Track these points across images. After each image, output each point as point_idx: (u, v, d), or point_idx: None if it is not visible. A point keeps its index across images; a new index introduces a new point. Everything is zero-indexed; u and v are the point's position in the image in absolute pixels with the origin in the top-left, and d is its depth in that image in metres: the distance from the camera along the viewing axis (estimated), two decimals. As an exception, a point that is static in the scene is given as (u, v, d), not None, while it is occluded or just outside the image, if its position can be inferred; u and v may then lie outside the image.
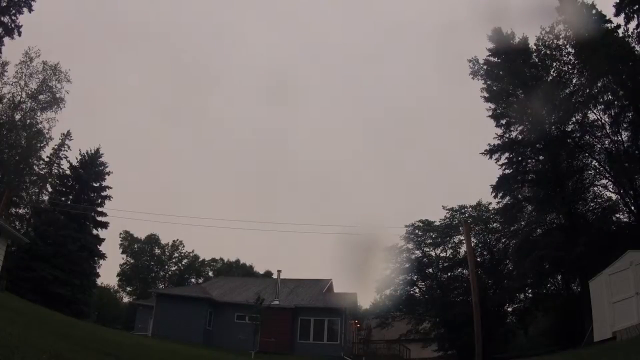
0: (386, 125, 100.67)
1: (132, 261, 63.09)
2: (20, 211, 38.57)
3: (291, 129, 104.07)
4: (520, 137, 29.52)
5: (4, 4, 27.96)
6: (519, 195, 29.78)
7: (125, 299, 61.45)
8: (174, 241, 66.88)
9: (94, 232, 37.71)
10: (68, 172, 38.32)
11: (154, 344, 16.58)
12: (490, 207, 32.23)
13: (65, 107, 35.43)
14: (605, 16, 24.62)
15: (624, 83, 23.43)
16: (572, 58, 27.22)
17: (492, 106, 30.40)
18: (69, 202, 35.88)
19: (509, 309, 32.56)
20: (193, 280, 65.14)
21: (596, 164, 26.85)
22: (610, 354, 11.08)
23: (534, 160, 29.59)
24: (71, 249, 32.63)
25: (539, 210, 27.79)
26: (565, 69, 27.70)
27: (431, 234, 33.43)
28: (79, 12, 79.90)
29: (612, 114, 25.29)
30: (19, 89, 34.37)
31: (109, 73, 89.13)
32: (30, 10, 28.65)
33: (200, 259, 68.91)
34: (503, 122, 30.11)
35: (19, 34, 28.72)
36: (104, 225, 37.78)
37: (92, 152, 38.53)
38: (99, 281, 43.97)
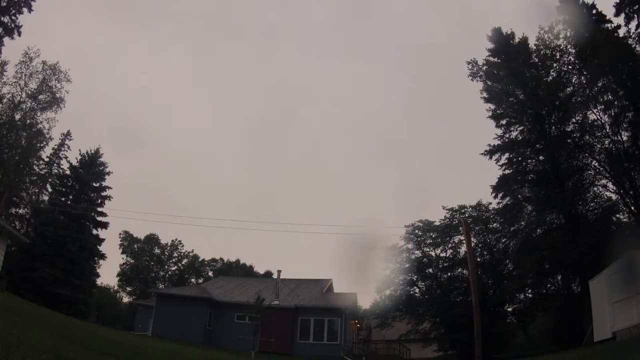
0: (386, 125, 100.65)
1: (132, 261, 62.99)
2: (20, 211, 38.57)
3: (291, 129, 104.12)
4: (520, 137, 29.52)
5: (4, 4, 27.91)
6: (519, 196, 29.78)
7: (125, 299, 61.42)
8: (173, 241, 66.89)
9: (94, 232, 37.76)
10: (68, 172, 38.36)
11: (154, 344, 16.57)
12: (490, 207, 32.20)
13: (65, 107, 35.35)
14: (605, 16, 24.64)
15: (624, 83, 23.43)
16: (572, 58, 27.22)
17: (492, 107, 30.42)
18: (69, 202, 35.89)
19: (509, 309, 32.49)
20: (193, 280, 65.06)
21: (596, 164, 26.84)
22: (610, 354, 11.08)
23: (534, 160, 29.57)
24: (71, 249, 32.62)
25: (539, 210, 27.76)
26: (565, 69, 27.70)
27: (431, 234, 33.36)
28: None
29: (612, 114, 25.27)
30: (19, 89, 34.27)
31: (108, 70, 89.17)
32: (30, 10, 28.63)
33: (200, 259, 68.82)
34: (503, 122, 30.12)
35: (19, 34, 28.70)
36: (104, 225, 37.82)
37: (92, 152, 38.57)
38: (99, 281, 44.05)
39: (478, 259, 31.31)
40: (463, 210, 32.76)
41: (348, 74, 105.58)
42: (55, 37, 73.10)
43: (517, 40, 29.70)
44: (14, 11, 28.23)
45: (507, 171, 29.27)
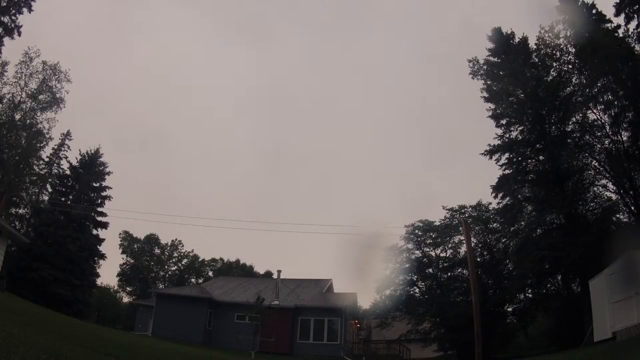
0: (387, 125, 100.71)
1: (132, 261, 63.05)
2: (20, 211, 38.59)
3: (291, 128, 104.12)
4: (520, 137, 29.53)
5: (4, 4, 27.94)
6: (519, 196, 29.76)
7: (125, 299, 61.48)
8: (173, 241, 66.98)
9: (94, 232, 37.77)
10: (68, 172, 38.39)
11: (154, 344, 16.57)
12: (490, 207, 32.20)
13: (65, 107, 35.37)
14: (605, 16, 24.67)
15: (624, 83, 23.44)
16: (572, 58, 27.23)
17: (492, 106, 30.41)
18: (69, 202, 35.89)
19: (509, 309, 32.49)
20: (193, 280, 65.11)
21: (596, 164, 26.84)
22: (610, 354, 11.09)
23: (534, 160, 29.58)
24: (71, 249, 32.63)
25: (539, 210, 27.77)
26: (565, 69, 27.71)
27: (431, 234, 33.34)
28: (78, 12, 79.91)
29: (612, 114, 25.28)
30: (19, 89, 34.27)
31: (108, 70, 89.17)
32: (30, 10, 28.67)
33: (200, 259, 68.91)
34: (503, 122, 30.12)
35: (19, 34, 28.74)
36: (104, 225, 37.84)
37: (92, 152, 38.60)
38: (99, 281, 44.06)
39: (478, 259, 31.31)
40: (463, 210, 32.76)
41: (348, 74, 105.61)
42: (56, 34, 73.19)
43: (517, 40, 29.72)
44: (14, 11, 28.27)
45: (507, 171, 29.27)
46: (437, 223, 33.19)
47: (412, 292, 34.46)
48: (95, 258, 37.83)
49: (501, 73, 29.58)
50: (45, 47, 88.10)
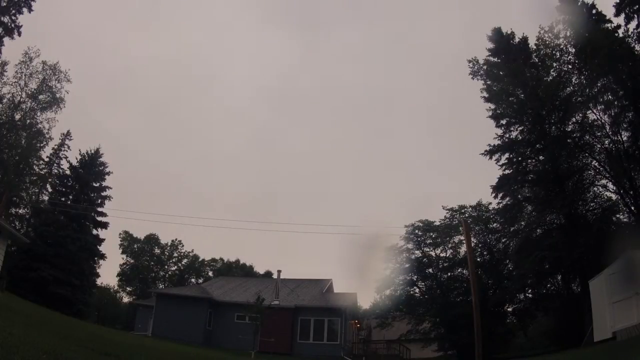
0: (387, 125, 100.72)
1: (132, 261, 63.05)
2: (20, 211, 38.58)
3: (291, 129, 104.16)
4: (520, 137, 29.54)
5: (4, 4, 27.96)
6: (519, 196, 29.79)
7: (125, 299, 61.47)
8: (173, 241, 66.98)
9: (94, 232, 37.76)
10: (68, 172, 38.39)
11: (153, 344, 16.56)
12: (490, 207, 32.26)
13: (65, 107, 35.38)
14: (605, 16, 24.67)
15: (624, 83, 23.42)
16: (572, 58, 27.23)
17: (492, 106, 30.42)
18: (69, 202, 35.88)
19: (509, 309, 32.55)
20: (193, 280, 65.13)
21: (596, 164, 26.84)
22: (610, 354, 11.09)
23: (534, 160, 29.59)
24: (71, 249, 32.62)
25: (539, 210, 27.78)
26: (565, 69, 27.70)
27: (431, 234, 33.38)
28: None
29: (612, 114, 25.27)
30: (19, 89, 34.26)
31: (107, 71, 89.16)
32: (30, 10, 28.70)
33: (200, 259, 68.93)
34: (503, 122, 30.13)
35: (19, 34, 28.77)
36: (104, 225, 37.84)
37: (92, 152, 38.60)
38: (99, 281, 44.07)
39: (478, 259, 31.35)
40: (463, 210, 32.79)
41: (347, 72, 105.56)
42: (57, 32, 73.16)
43: (517, 40, 29.75)
44: (14, 11, 28.31)
45: (507, 171, 29.29)
46: (437, 223, 33.24)
47: (412, 292, 34.51)
48: (95, 258, 37.82)
49: (501, 73, 29.58)
50: (45, 47, 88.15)
